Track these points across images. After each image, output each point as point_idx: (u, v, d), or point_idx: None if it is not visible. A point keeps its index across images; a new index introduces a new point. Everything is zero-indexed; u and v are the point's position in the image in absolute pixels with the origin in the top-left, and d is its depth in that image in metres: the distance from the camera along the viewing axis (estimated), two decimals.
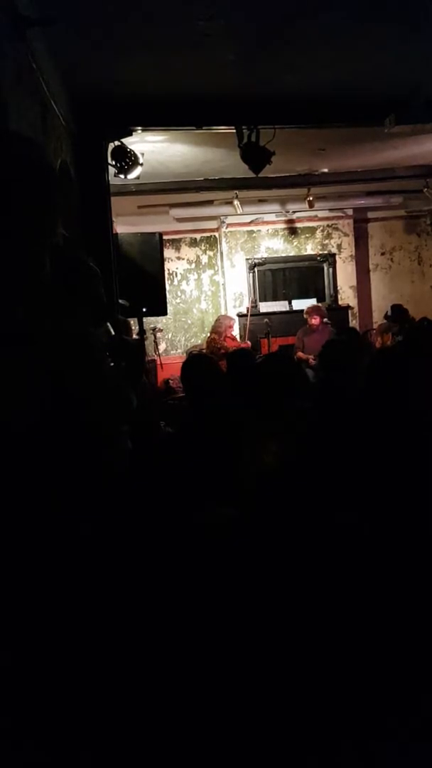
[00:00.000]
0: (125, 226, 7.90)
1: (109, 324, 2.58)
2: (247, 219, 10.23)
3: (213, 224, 10.57)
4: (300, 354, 8.31)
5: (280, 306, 10.31)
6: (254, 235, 10.63)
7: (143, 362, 4.73)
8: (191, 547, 2.53)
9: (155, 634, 2.03)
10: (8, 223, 1.38)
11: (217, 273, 10.92)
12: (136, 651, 1.64)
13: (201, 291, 11.01)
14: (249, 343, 8.78)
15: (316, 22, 4.00)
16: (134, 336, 5.69)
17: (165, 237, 7.48)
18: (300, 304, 9.69)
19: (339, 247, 10.84)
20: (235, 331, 8.82)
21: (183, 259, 10.96)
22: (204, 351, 7.87)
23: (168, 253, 10.01)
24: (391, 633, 2.31)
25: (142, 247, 5.72)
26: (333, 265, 10.79)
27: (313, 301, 9.73)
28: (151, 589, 2.07)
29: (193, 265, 10.99)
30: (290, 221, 10.59)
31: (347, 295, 10.82)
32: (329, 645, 2.27)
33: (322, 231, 10.82)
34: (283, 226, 10.67)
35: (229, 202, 9.00)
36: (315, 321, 8.50)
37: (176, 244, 10.83)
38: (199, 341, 10.17)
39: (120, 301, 5.37)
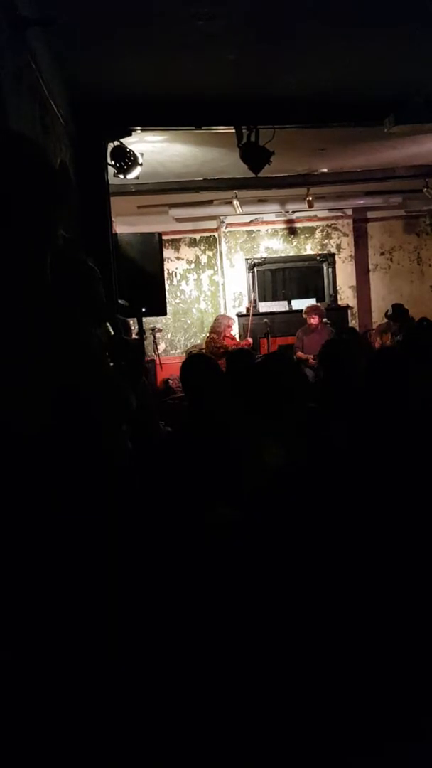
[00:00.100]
0: (125, 226, 7.91)
1: (108, 324, 2.58)
2: (247, 219, 10.23)
3: (212, 224, 10.57)
4: (300, 354, 8.32)
5: (279, 306, 10.31)
6: (254, 235, 10.63)
7: (143, 362, 4.73)
8: (192, 547, 2.53)
9: (155, 634, 2.03)
10: (8, 224, 1.38)
11: (217, 273, 10.92)
12: (136, 651, 1.64)
13: (200, 291, 11.01)
14: (250, 340, 8.77)
15: (316, 22, 4.00)
16: (134, 336, 5.69)
17: (164, 237, 7.49)
18: (299, 304, 9.69)
19: (338, 247, 10.84)
20: (234, 331, 8.82)
21: (182, 259, 10.96)
22: (203, 351, 7.88)
23: (167, 253, 10.01)
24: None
25: (142, 247, 5.72)
26: (332, 265, 10.79)
27: (312, 301, 9.73)
28: (151, 588, 2.06)
29: (193, 265, 10.99)
30: (290, 221, 10.60)
31: (347, 295, 10.82)
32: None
33: (322, 231, 10.82)
34: (283, 226, 10.67)
35: (229, 202, 9.00)
36: (314, 321, 8.50)
37: (176, 244, 10.83)
38: (199, 341, 10.18)
39: (119, 301, 5.37)
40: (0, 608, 1.31)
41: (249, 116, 5.53)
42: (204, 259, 11.00)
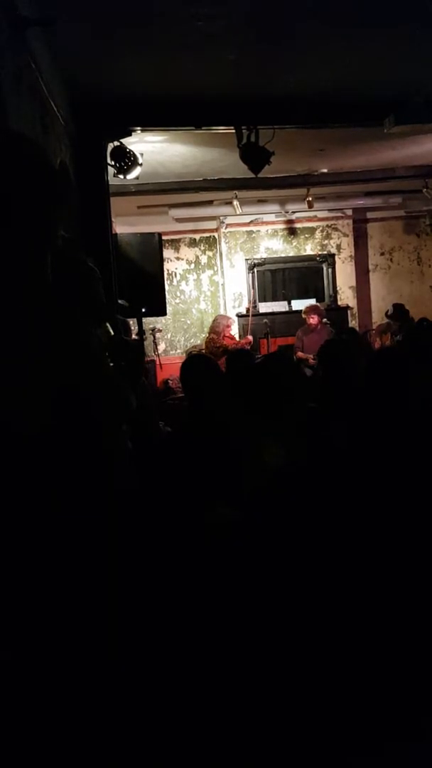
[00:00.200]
0: (125, 226, 7.91)
1: (108, 324, 2.58)
2: (247, 219, 10.23)
3: (212, 224, 10.57)
4: (300, 354, 8.32)
5: (279, 306, 10.32)
6: (253, 235, 10.63)
7: (143, 362, 4.73)
8: (192, 547, 2.53)
9: (155, 634, 2.02)
10: (8, 224, 1.38)
11: (217, 273, 10.92)
12: (137, 650, 1.64)
13: (200, 291, 11.01)
14: (250, 338, 8.75)
15: (316, 22, 4.00)
16: (134, 336, 5.69)
17: (164, 237, 7.49)
18: (299, 305, 9.68)
19: (338, 247, 10.84)
20: (234, 331, 8.82)
21: (182, 259, 10.96)
22: (203, 351, 7.87)
23: (167, 253, 10.02)
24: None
25: (142, 248, 5.72)
26: (332, 265, 10.80)
27: (312, 302, 9.73)
28: (151, 588, 2.06)
29: (193, 266, 10.99)
30: (290, 221, 10.60)
31: (346, 296, 10.82)
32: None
33: (322, 231, 10.83)
34: (283, 226, 10.67)
35: (229, 203, 9.00)
36: (313, 320, 8.50)
37: (175, 244, 10.84)
38: (199, 341, 10.17)
39: (119, 301, 5.37)
40: (0, 608, 1.31)
41: (249, 116, 5.53)
42: (204, 259, 11.00)
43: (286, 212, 10.31)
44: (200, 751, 2.09)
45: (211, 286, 11.01)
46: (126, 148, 5.58)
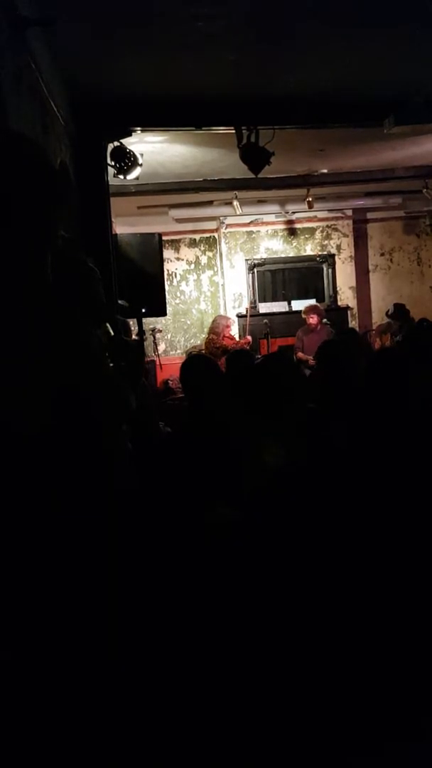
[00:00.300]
0: (125, 226, 7.91)
1: (108, 324, 2.58)
2: (247, 220, 10.23)
3: (212, 225, 10.57)
4: (300, 354, 8.31)
5: (279, 307, 10.32)
6: (253, 235, 10.63)
7: (142, 363, 4.73)
8: (192, 547, 2.53)
9: (155, 634, 2.02)
10: (8, 224, 1.38)
11: (217, 274, 10.92)
12: (137, 650, 1.63)
13: (200, 291, 11.01)
14: (249, 338, 8.75)
15: (316, 22, 4.00)
16: (134, 336, 5.69)
17: (164, 237, 7.48)
18: (299, 305, 9.67)
19: (338, 247, 10.84)
20: (234, 331, 8.82)
21: (182, 259, 10.96)
22: (203, 351, 7.87)
23: (167, 253, 10.01)
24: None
25: (142, 248, 5.72)
26: (332, 265, 10.80)
27: (312, 302, 9.73)
28: (151, 588, 2.06)
29: (193, 266, 10.99)
30: (290, 222, 10.60)
31: (346, 296, 10.82)
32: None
33: (322, 232, 10.83)
34: (283, 226, 10.67)
35: (229, 203, 9.00)
36: (313, 320, 8.50)
37: (175, 244, 10.84)
38: (199, 342, 10.17)
39: (119, 301, 5.37)
40: (0, 608, 1.31)
41: (249, 116, 5.53)
42: (204, 259, 11.00)
43: (286, 212, 10.31)
44: (200, 751, 2.09)
45: (211, 287, 11.01)
46: (126, 148, 5.58)
